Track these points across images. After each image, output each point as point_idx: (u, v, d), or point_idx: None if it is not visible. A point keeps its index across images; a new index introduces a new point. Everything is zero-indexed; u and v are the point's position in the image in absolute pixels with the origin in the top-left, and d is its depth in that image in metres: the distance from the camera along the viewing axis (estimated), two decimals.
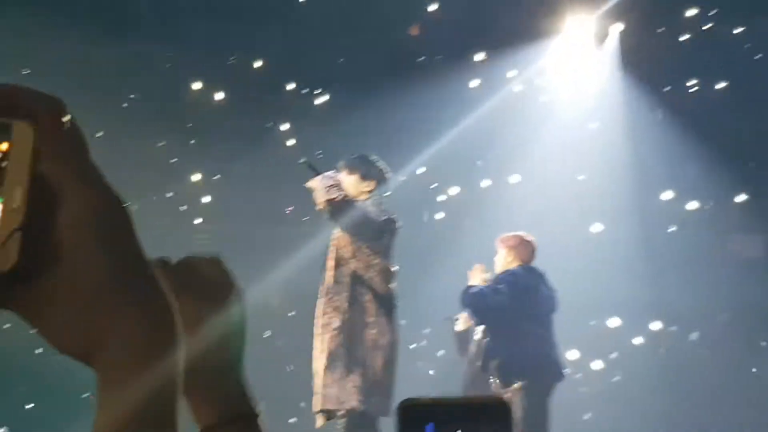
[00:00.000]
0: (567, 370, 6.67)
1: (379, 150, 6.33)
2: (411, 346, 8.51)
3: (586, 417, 9.43)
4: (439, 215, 10.52)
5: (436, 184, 10.39)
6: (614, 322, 9.98)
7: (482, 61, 10.11)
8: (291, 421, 7.73)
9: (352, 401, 5.45)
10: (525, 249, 6.60)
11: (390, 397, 5.51)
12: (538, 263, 6.64)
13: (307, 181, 5.74)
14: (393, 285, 5.76)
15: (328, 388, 5.49)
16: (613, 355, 9.98)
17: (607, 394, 9.62)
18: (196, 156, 9.68)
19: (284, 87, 9.96)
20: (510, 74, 10.15)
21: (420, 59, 9.95)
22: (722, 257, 10.26)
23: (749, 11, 9.80)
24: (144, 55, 8.98)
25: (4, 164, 0.59)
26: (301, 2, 9.41)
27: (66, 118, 0.61)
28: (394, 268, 5.79)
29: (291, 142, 9.95)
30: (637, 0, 9.73)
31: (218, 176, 9.80)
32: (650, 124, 10.23)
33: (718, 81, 10.20)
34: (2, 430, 7.77)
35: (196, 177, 9.83)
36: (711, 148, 9.77)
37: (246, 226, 9.32)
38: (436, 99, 9.70)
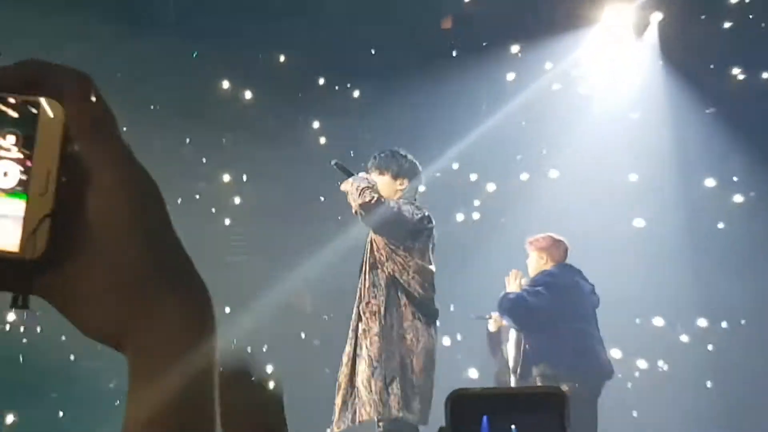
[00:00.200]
0: (612, 371, 6.48)
1: (412, 145, 6.24)
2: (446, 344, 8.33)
3: (634, 414, 9.25)
4: (476, 214, 10.34)
5: (473, 179, 10.20)
6: (659, 320, 9.81)
7: (518, 53, 9.92)
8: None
9: (392, 409, 5.31)
10: (557, 248, 6.55)
11: (428, 404, 5.39)
12: (579, 261, 6.53)
13: (338, 181, 5.66)
14: (430, 287, 5.61)
15: (372, 395, 5.33)
16: (658, 353, 9.79)
17: (655, 392, 9.44)
18: (226, 156, 9.58)
19: (315, 83, 9.82)
20: (547, 66, 9.95)
21: (453, 52, 9.75)
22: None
23: None
24: (169, 53, 8.86)
25: (31, 146, 0.57)
26: None
27: (95, 95, 0.60)
28: (431, 268, 5.61)
29: (322, 140, 9.81)
30: None
31: (248, 176, 9.69)
32: (693, 115, 9.97)
33: (763, 69, 9.90)
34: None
35: (227, 177, 9.72)
36: (757, 138, 9.50)
37: (277, 227, 9.19)
38: (470, 93, 9.59)
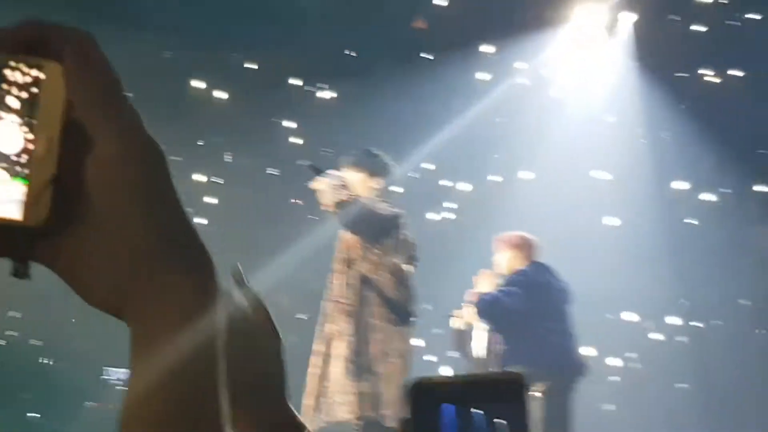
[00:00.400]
0: (587, 367, 6.51)
1: (387, 145, 6.18)
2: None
3: (609, 409, 9.31)
4: (449, 214, 10.35)
5: (447, 179, 10.22)
6: (633, 317, 9.87)
7: (490, 53, 9.93)
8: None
9: (364, 411, 5.24)
10: (529, 247, 6.50)
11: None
12: (554, 259, 6.55)
13: (311, 181, 5.54)
14: (405, 287, 5.52)
15: (346, 395, 5.28)
16: (633, 349, 9.86)
17: (629, 389, 9.50)
18: (200, 156, 9.54)
19: (290, 84, 9.79)
20: (518, 65, 9.97)
21: (426, 53, 9.76)
22: (742, 249, 10.07)
23: None
24: (144, 53, 8.82)
25: (33, 111, 0.56)
26: None
27: (99, 57, 0.58)
28: (407, 268, 5.57)
29: (296, 140, 9.79)
30: None
31: (222, 176, 9.66)
32: (666, 115, 10.03)
33: (733, 69, 9.98)
34: None
35: (200, 177, 9.67)
36: (728, 137, 9.57)
37: (251, 227, 9.17)
38: (443, 92, 9.58)
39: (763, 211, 10.25)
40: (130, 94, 0.62)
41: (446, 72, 9.47)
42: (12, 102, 0.56)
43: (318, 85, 9.96)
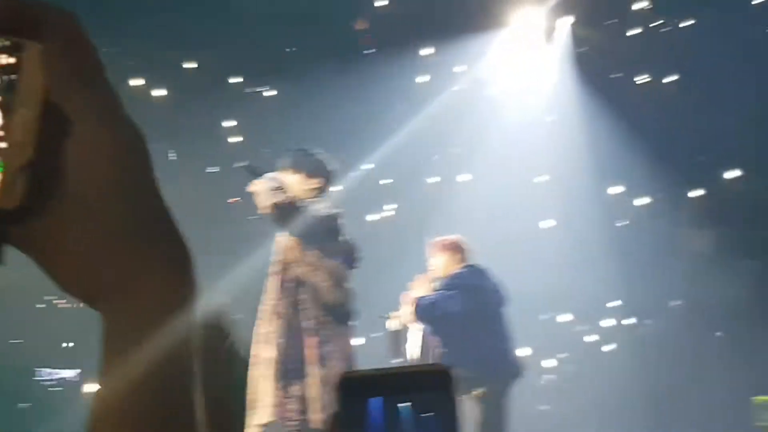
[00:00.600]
0: (523, 368, 6.56)
1: (326, 145, 6.13)
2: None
3: (542, 408, 9.38)
4: (389, 214, 10.36)
5: (387, 180, 10.22)
6: (567, 317, 9.97)
7: (429, 55, 9.97)
8: None
9: (294, 413, 5.19)
10: (463, 249, 6.57)
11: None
12: (489, 261, 6.61)
13: (248, 184, 5.47)
14: (342, 289, 5.48)
15: (275, 398, 5.22)
16: (567, 350, 9.96)
17: (564, 389, 9.59)
18: None
19: (230, 82, 9.71)
20: (458, 68, 10.03)
21: (367, 52, 9.77)
22: (674, 251, 10.24)
23: (698, 4, 9.76)
24: None
25: (10, 91, 0.53)
26: None
27: (80, 37, 0.56)
28: (345, 269, 5.53)
29: (236, 139, 9.72)
30: None
31: (160, 175, 9.53)
32: (602, 119, 10.15)
33: (668, 74, 10.15)
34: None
35: None
36: (659, 142, 9.72)
37: (188, 228, 9.05)
38: (383, 93, 9.57)
39: (694, 215, 10.44)
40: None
41: (386, 73, 9.47)
42: None
43: (260, 84, 9.89)
